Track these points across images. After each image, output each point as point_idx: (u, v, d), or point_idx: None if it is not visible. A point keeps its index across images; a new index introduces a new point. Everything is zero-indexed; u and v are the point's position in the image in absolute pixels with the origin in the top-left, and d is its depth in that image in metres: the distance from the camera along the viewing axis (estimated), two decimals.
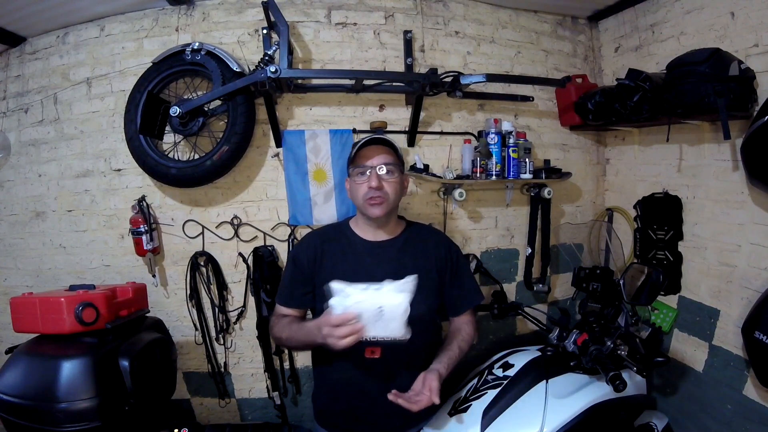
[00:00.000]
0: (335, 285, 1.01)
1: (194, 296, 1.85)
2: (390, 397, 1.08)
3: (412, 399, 1.09)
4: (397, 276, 1.22)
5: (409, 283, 1.01)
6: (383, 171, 1.24)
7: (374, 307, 0.98)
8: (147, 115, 1.57)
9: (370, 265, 1.28)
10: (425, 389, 1.10)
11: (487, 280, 2.05)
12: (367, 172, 1.24)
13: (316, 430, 1.42)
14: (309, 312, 1.41)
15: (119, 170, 1.84)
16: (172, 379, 1.69)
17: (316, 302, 1.32)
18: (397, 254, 1.31)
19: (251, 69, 1.73)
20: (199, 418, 1.99)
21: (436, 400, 1.08)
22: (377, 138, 1.30)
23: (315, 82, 1.82)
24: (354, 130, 1.85)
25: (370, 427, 1.31)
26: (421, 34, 1.93)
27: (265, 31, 1.73)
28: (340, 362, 1.26)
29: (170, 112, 1.61)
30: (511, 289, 2.16)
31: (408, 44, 1.86)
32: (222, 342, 1.92)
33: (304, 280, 1.31)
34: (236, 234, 1.86)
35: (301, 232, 1.87)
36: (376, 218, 1.26)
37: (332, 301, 1.00)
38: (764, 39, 1.45)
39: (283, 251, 1.88)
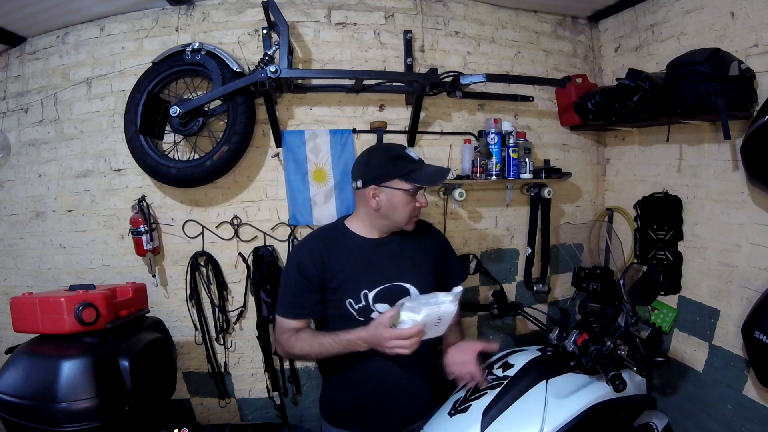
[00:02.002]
0: (409, 303, 1.11)
1: (194, 296, 1.85)
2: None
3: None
4: (404, 270, 1.31)
5: (460, 293, 1.13)
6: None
7: (436, 317, 1.11)
8: (147, 115, 1.57)
9: (378, 262, 1.30)
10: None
11: (487, 280, 2.05)
12: (420, 192, 1.31)
13: (326, 429, 1.40)
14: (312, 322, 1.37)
15: (119, 170, 1.84)
16: (172, 379, 1.70)
17: (327, 309, 1.30)
18: (399, 249, 1.34)
19: (251, 69, 1.73)
20: (199, 418, 1.99)
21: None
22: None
23: (315, 82, 1.83)
24: (354, 130, 1.86)
25: (381, 418, 1.33)
26: (421, 34, 1.93)
27: (265, 31, 1.73)
28: (357, 357, 1.24)
29: (170, 112, 1.61)
30: (511, 289, 2.16)
31: (408, 44, 1.86)
32: (222, 342, 1.92)
33: (313, 288, 1.26)
34: (236, 234, 1.86)
35: (301, 232, 1.87)
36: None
37: (404, 317, 1.10)
38: (764, 39, 1.45)
39: (283, 251, 1.88)
